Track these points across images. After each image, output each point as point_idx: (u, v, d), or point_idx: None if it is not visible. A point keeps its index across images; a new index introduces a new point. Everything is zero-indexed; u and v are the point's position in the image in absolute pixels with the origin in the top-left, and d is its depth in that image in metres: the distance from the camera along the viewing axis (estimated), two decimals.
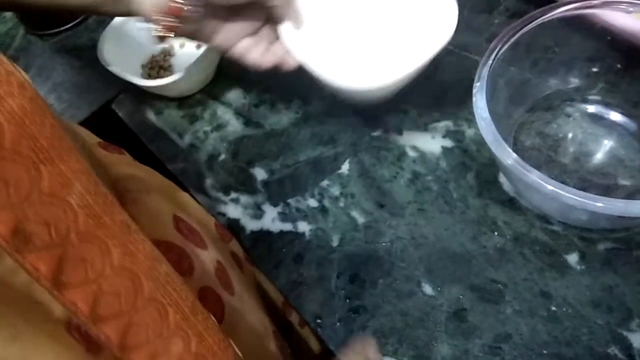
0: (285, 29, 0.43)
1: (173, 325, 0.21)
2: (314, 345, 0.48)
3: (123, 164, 0.34)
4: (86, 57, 0.60)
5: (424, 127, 0.48)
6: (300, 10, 0.44)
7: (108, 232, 0.19)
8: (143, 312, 0.20)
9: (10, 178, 0.16)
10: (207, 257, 0.32)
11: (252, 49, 0.43)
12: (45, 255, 0.17)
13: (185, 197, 0.39)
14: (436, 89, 0.50)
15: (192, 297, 0.22)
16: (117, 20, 0.53)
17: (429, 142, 0.47)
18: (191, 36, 0.41)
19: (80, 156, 0.19)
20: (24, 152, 0.17)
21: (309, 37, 0.45)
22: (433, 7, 0.43)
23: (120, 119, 0.55)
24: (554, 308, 0.38)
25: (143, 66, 0.55)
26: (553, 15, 0.42)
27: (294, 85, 0.53)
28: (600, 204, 0.32)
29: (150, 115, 0.54)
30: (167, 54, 0.56)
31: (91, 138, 0.36)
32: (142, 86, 0.50)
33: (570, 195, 0.33)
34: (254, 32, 0.44)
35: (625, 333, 0.36)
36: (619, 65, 0.45)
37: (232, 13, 0.41)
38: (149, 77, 0.55)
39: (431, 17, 0.43)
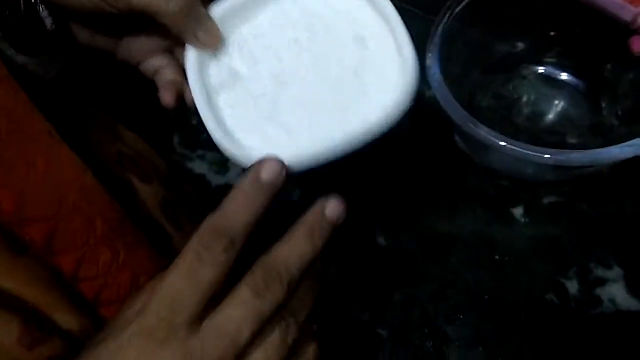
0: (191, 55, 0.30)
1: (100, 234, 0.22)
2: None
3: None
4: None
5: None
6: (212, 32, 0.30)
7: (30, 138, 0.20)
8: (68, 219, 0.21)
9: None
10: (152, 190, 0.33)
11: (165, 69, 0.33)
12: None
13: (133, 136, 0.40)
14: None
15: (121, 211, 0.24)
16: None
17: None
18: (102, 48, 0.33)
19: (1, 63, 0.20)
20: None
21: (221, 75, 0.31)
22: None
23: (91, 77, 0.56)
24: (497, 257, 0.40)
25: None
26: None
27: None
28: (547, 156, 0.34)
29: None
30: None
31: None
32: None
33: (515, 148, 0.35)
34: (168, 49, 0.33)
35: (562, 280, 0.39)
36: (576, 30, 0.46)
37: (129, 25, 0.31)
38: None
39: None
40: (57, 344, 0.21)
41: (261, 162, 0.24)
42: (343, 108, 0.29)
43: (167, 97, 0.30)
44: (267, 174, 0.24)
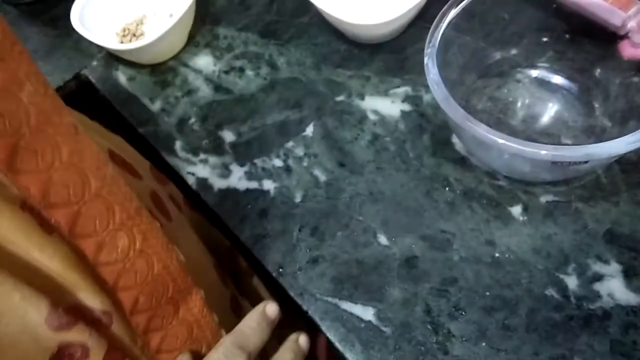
0: None
1: (119, 221, 0.23)
2: (263, 293, 0.51)
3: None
4: (60, 25, 0.61)
5: (384, 93, 0.50)
6: None
7: (57, 130, 0.21)
8: (90, 205, 0.22)
9: None
10: (142, 184, 0.35)
11: None
12: (1, 142, 0.19)
13: (119, 139, 0.42)
14: (397, 57, 0.52)
15: (137, 200, 0.25)
16: None
17: (389, 106, 0.49)
18: None
19: (31, 61, 0.21)
20: None
21: None
22: None
23: (92, 86, 0.57)
24: (497, 255, 0.41)
25: (116, 34, 0.57)
26: None
27: (262, 53, 0.55)
28: (543, 152, 0.35)
29: (123, 81, 0.56)
30: (140, 22, 0.57)
31: None
32: (115, 50, 0.51)
33: (513, 145, 0.36)
34: None
35: (561, 276, 0.39)
36: (567, 36, 0.48)
37: None
38: (122, 44, 0.56)
39: None
40: (82, 331, 0.22)
41: (266, 303, 0.34)
42: None
43: None
44: (270, 312, 0.33)
